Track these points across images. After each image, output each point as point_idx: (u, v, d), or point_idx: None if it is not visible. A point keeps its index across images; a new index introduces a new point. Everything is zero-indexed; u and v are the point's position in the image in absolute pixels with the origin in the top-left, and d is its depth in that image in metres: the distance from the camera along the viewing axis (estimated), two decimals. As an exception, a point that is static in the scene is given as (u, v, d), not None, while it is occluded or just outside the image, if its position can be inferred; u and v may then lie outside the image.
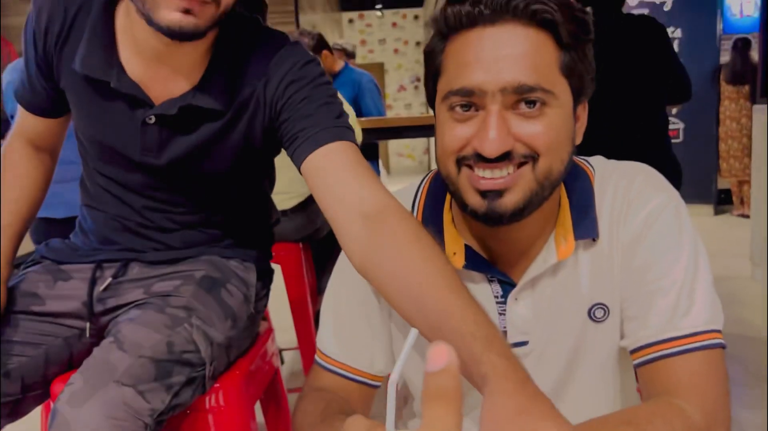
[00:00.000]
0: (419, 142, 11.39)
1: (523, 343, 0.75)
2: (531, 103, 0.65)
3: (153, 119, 0.96)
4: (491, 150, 0.64)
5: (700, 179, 5.44)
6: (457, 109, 0.67)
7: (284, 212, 1.97)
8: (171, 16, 0.82)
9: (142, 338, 0.88)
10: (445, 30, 0.68)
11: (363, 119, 2.99)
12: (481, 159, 0.65)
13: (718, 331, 0.68)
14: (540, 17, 0.64)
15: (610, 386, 0.77)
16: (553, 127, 0.66)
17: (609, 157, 0.80)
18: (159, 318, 0.92)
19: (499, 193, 0.66)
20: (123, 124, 0.98)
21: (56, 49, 0.99)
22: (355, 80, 3.25)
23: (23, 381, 0.97)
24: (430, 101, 0.74)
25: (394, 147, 11.69)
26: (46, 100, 1.06)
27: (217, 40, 0.95)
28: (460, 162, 0.68)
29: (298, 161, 0.90)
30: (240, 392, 1.02)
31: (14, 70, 2.14)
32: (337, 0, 10.96)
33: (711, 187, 5.62)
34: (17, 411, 0.99)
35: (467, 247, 0.75)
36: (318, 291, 2.40)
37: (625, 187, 0.73)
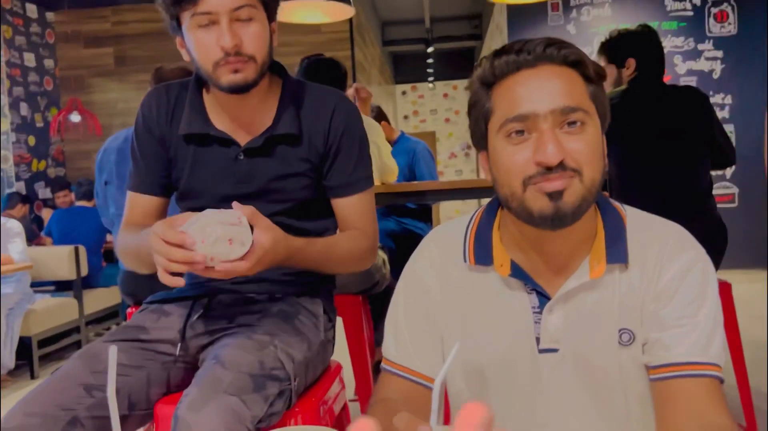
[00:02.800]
0: (468, 205, 11.52)
1: (554, 350, 0.88)
2: (573, 123, 0.80)
3: (242, 155, 1.24)
4: (553, 157, 0.78)
5: (755, 244, 5.36)
6: (513, 135, 0.81)
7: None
8: (226, 78, 1.15)
9: (238, 358, 1.05)
10: (492, 78, 0.84)
11: (418, 182, 3.16)
12: (545, 170, 0.80)
13: (721, 368, 0.83)
14: (570, 59, 0.82)
15: (637, 408, 0.88)
16: (591, 142, 0.82)
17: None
18: (249, 343, 1.10)
19: (560, 194, 0.80)
20: (218, 165, 1.25)
21: (167, 125, 1.28)
22: (411, 148, 3.43)
23: (129, 399, 1.14)
24: (479, 143, 0.90)
25: (445, 211, 11.88)
26: (161, 175, 1.30)
27: (283, 94, 1.27)
28: (526, 182, 0.82)
29: (330, 194, 1.31)
30: (316, 414, 1.16)
31: (115, 139, 2.41)
32: (392, 73, 11.49)
33: (766, 252, 5.52)
34: (123, 428, 1.15)
35: (512, 261, 0.90)
36: (375, 344, 2.52)
37: (661, 240, 0.87)
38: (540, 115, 0.80)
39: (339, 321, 2.24)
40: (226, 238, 0.98)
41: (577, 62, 0.83)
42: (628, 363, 0.86)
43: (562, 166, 0.79)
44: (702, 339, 0.83)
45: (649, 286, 0.86)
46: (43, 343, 4.07)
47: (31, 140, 6.13)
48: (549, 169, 0.79)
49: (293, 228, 1.27)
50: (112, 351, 0.67)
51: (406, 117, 12.00)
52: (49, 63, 6.50)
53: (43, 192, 6.22)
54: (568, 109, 0.80)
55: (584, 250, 0.88)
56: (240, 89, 1.17)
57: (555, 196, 0.80)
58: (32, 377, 3.90)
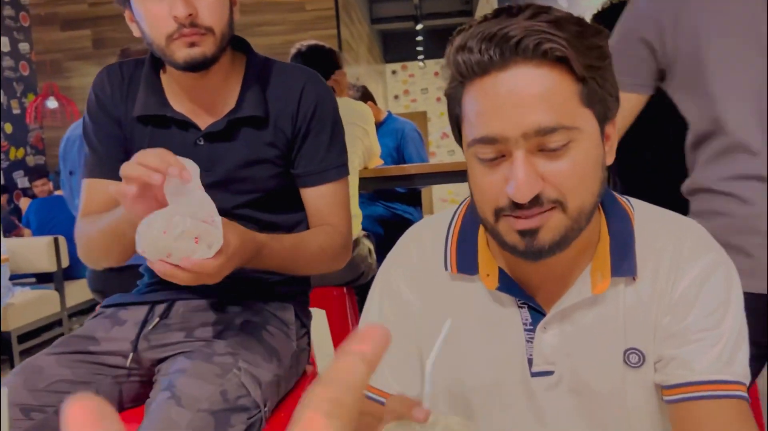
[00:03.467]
0: (462, 187, 11.40)
1: (549, 373, 0.75)
2: (553, 148, 0.65)
3: (202, 140, 1.11)
4: (523, 195, 0.64)
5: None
6: (483, 156, 0.67)
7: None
8: (182, 53, 1.03)
9: (196, 391, 0.92)
10: (459, 78, 0.68)
11: (406, 166, 3.03)
12: (517, 206, 0.66)
13: (746, 386, 0.70)
14: (552, 56, 0.63)
15: None
16: (580, 163, 0.66)
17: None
18: (208, 368, 0.96)
19: (535, 231, 0.67)
20: (176, 150, 1.06)
21: (123, 104, 1.14)
22: (398, 129, 3.30)
23: None
24: (458, 140, 0.75)
25: (437, 193, 11.75)
26: (121, 158, 1.14)
27: (247, 73, 1.14)
28: (498, 213, 0.68)
29: (298, 184, 1.17)
30: (286, 433, 1.03)
31: (77, 127, 2.27)
32: (381, 52, 11.27)
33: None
34: None
35: (501, 270, 0.76)
36: (363, 337, 2.40)
37: (675, 243, 0.74)
38: (510, 138, 0.64)
39: (322, 315, 2.13)
40: (193, 235, 0.83)
41: (562, 59, 0.63)
42: (635, 388, 0.73)
43: (538, 199, 0.65)
44: (725, 353, 0.70)
45: (662, 297, 0.73)
46: (23, 338, 3.95)
47: (8, 127, 5.93)
48: (521, 205, 0.65)
49: (262, 222, 1.13)
50: (3, 393, 0.53)
51: (396, 96, 11.81)
52: (24, 47, 6.27)
53: (22, 181, 6.04)
54: (546, 129, 0.63)
55: (585, 258, 0.75)
56: (198, 65, 1.05)
57: (528, 233, 0.66)
58: (12, 373, 3.78)
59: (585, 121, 0.66)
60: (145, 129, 1.14)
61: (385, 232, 2.87)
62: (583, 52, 0.64)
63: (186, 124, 1.12)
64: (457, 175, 2.74)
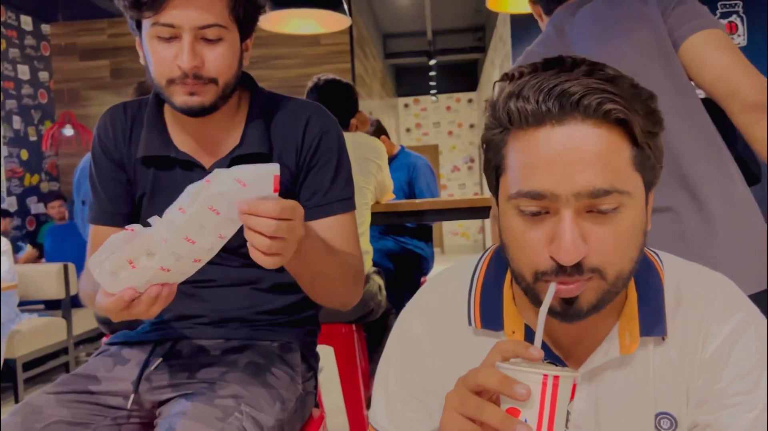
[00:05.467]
0: (473, 222, 11.38)
1: None
2: (604, 210, 0.62)
3: None
4: (569, 259, 0.61)
5: None
6: (527, 209, 0.63)
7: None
8: (180, 99, 1.02)
9: None
10: (507, 125, 0.65)
11: (418, 201, 3.03)
12: (560, 269, 0.62)
13: None
14: (613, 117, 0.61)
15: None
16: (626, 229, 0.63)
17: None
18: (209, 411, 0.93)
19: (574, 299, 0.64)
20: (181, 190, 1.04)
21: (126, 147, 1.13)
22: (411, 164, 3.30)
23: None
24: (492, 189, 0.72)
25: (448, 226, 11.71)
26: (125, 203, 1.15)
27: (251, 109, 1.13)
28: (538, 276, 0.65)
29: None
30: (290, 481, 1.00)
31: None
32: (394, 86, 11.38)
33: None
34: None
35: (527, 327, 0.73)
36: (370, 375, 2.36)
37: (705, 301, 0.71)
38: (561, 197, 0.61)
39: (330, 351, 2.10)
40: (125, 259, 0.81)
41: (622, 121, 0.61)
42: None
43: (579, 266, 0.62)
44: (762, 419, 0.66)
45: (693, 358, 0.69)
46: (29, 365, 3.92)
47: (24, 154, 6.00)
48: (563, 267, 0.62)
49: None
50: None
51: (408, 130, 11.88)
52: (43, 75, 6.39)
53: (36, 207, 6.08)
54: (600, 192, 0.60)
55: (613, 317, 0.72)
56: (195, 113, 1.04)
57: (566, 300, 0.64)
58: (16, 401, 3.74)
59: (635, 186, 0.64)
60: (148, 170, 1.12)
61: (395, 267, 2.84)
62: (642, 116, 0.62)
63: (190, 164, 1.10)
64: (468, 211, 2.73)
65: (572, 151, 0.61)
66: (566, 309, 0.64)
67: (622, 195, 0.62)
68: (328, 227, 1.11)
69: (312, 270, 1.00)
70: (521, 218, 0.65)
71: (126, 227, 0.83)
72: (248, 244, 0.80)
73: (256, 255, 0.80)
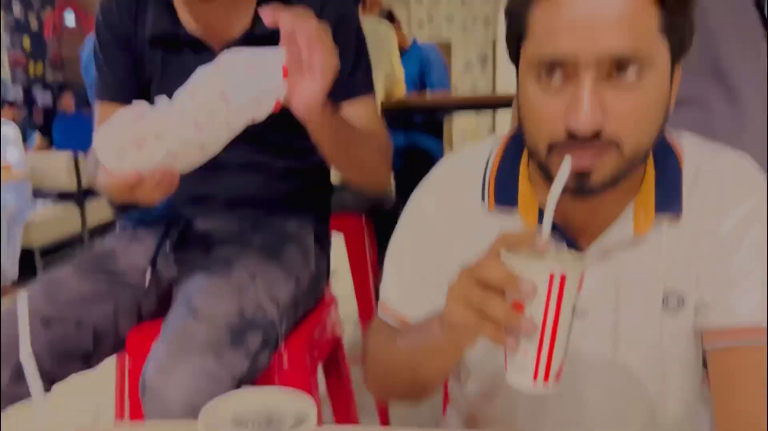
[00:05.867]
0: (484, 121, 11.21)
1: (581, 318, 0.72)
2: (623, 70, 0.59)
3: None
4: (585, 128, 0.59)
5: None
6: (545, 79, 0.62)
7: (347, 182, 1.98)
8: None
9: (213, 307, 0.91)
10: None
11: (428, 96, 2.96)
12: (573, 139, 0.61)
13: None
14: None
15: (688, 383, 0.74)
16: (648, 100, 0.61)
17: None
18: (226, 286, 0.95)
19: (587, 173, 0.62)
20: (190, 74, 1.03)
21: (132, 25, 1.10)
22: (423, 56, 3.21)
23: (95, 332, 1.02)
24: (514, 60, 0.69)
25: (458, 125, 11.57)
26: (131, 80, 1.12)
27: None
28: (552, 147, 0.63)
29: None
30: (303, 355, 1.04)
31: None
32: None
33: None
34: (89, 361, 1.04)
35: (540, 210, 0.72)
36: (379, 265, 2.41)
37: (723, 180, 0.69)
38: (581, 62, 0.58)
39: (341, 238, 2.13)
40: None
41: None
42: (672, 334, 0.70)
43: (597, 136, 0.60)
44: None
45: (707, 236, 0.68)
46: (44, 253, 4.03)
47: (27, 43, 5.86)
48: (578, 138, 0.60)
49: (279, 146, 1.11)
50: (21, 299, 0.52)
51: (420, 24, 11.46)
52: (41, -42, 6.11)
53: (43, 97, 6.01)
54: (623, 56, 0.58)
55: (629, 195, 0.70)
56: None
57: (580, 173, 0.62)
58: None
59: (660, 54, 0.61)
60: (156, 51, 1.10)
61: (405, 164, 2.82)
62: None
63: (199, 46, 1.07)
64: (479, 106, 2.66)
65: (596, 13, 0.58)
66: (580, 184, 0.63)
67: (646, 63, 0.60)
68: (353, 110, 1.08)
69: (341, 147, 0.99)
70: (539, 87, 0.63)
71: (134, 102, 0.81)
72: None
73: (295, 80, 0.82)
